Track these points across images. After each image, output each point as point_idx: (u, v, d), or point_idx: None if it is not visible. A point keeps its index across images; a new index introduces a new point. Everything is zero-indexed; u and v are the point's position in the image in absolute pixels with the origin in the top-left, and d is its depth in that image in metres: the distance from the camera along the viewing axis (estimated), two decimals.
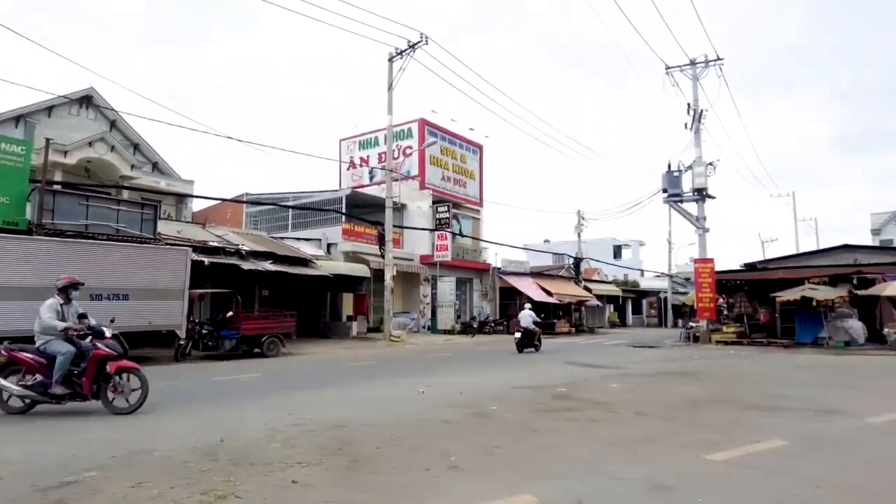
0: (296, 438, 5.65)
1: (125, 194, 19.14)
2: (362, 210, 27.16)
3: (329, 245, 24.92)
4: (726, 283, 25.55)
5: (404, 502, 3.86)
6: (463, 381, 10.27)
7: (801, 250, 37.67)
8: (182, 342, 14.44)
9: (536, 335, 18.56)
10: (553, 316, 32.87)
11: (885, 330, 19.66)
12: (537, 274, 35.98)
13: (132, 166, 21.75)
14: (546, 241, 56.67)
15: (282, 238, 24.19)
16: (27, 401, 6.78)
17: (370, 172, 31.67)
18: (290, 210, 27.94)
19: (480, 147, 34.49)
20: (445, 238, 27.74)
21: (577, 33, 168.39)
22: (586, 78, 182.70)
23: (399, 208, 28.23)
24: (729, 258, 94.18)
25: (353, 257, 24.42)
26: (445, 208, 28.66)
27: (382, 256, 22.50)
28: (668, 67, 26.11)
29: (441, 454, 5.04)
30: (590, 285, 38.80)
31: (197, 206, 28.47)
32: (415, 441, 5.56)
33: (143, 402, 7.04)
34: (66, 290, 7.12)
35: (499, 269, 33.14)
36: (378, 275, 23.22)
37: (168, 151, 71.82)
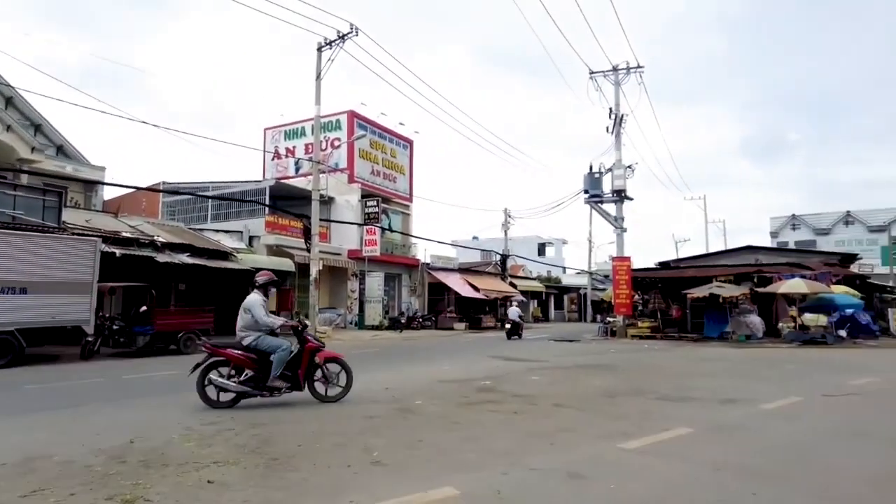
0: (213, 437, 5.44)
1: (24, 179, 17.68)
2: (287, 202, 26.43)
3: (251, 238, 24.08)
4: (642, 281, 26.87)
5: (323, 499, 3.81)
6: (388, 377, 10.24)
7: (711, 250, 40.15)
8: (90, 339, 13.56)
9: (521, 327, 23.72)
10: (480, 311, 33.43)
11: (780, 325, 21.37)
12: (465, 270, 36.42)
13: (32, 148, 20.10)
14: (474, 237, 57.37)
15: (201, 230, 23.15)
16: (234, 395, 6.99)
17: (296, 163, 30.88)
18: (210, 201, 26.74)
19: (411, 142, 34.43)
20: (374, 233, 27.50)
21: (509, 38, 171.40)
22: (518, 81, 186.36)
23: (326, 201, 27.70)
24: (645, 257, 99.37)
25: (276, 251, 23.73)
26: (374, 203, 28.42)
27: (308, 250, 22.02)
28: (592, 72, 27.05)
29: (363, 450, 5.02)
30: (515, 281, 39.69)
31: (108, 193, 26.76)
32: (337, 438, 5.49)
33: (350, 388, 7.47)
34: (266, 287, 7.33)
35: (428, 264, 33.27)
36: (303, 269, 22.72)
37: (76, 135, 66.89)
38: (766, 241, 58.92)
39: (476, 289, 32.42)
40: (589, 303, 46.06)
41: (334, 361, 7.49)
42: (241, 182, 27.09)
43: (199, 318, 16.22)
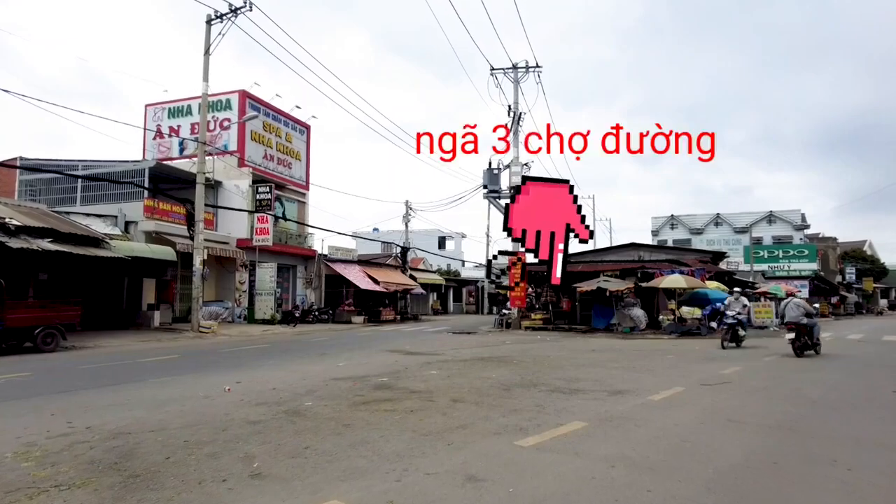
0: (59, 454, 4.67)
1: None
2: (170, 185, 24.44)
3: (128, 223, 21.92)
4: (535, 275, 27.71)
5: None
6: (277, 376, 9.63)
7: (599, 247, 42.31)
8: None
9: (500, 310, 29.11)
10: (379, 304, 32.94)
11: (660, 317, 22.87)
12: (365, 262, 35.72)
13: None
14: (375, 229, 56.67)
15: (67, 213, 20.75)
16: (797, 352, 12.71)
17: (180, 144, 28.56)
18: (80, 181, 24.02)
19: (308, 127, 33.10)
20: (266, 221, 26.09)
21: (413, 28, 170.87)
22: (422, 72, 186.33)
23: (213, 185, 25.89)
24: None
25: (156, 238, 21.82)
26: (267, 189, 26.93)
27: (192, 238, 20.46)
28: (492, 69, 27.36)
29: (243, 460, 4.52)
30: (415, 274, 39.61)
31: None
32: (213, 447, 4.92)
33: (820, 352, 13.11)
34: (794, 296, 12.73)
35: (325, 256, 32.19)
36: (186, 259, 21.10)
37: None
38: (648, 239, 63.41)
39: (376, 281, 31.89)
40: (486, 296, 47.04)
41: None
42: (118, 162, 24.57)
43: (63, 312, 14.55)
